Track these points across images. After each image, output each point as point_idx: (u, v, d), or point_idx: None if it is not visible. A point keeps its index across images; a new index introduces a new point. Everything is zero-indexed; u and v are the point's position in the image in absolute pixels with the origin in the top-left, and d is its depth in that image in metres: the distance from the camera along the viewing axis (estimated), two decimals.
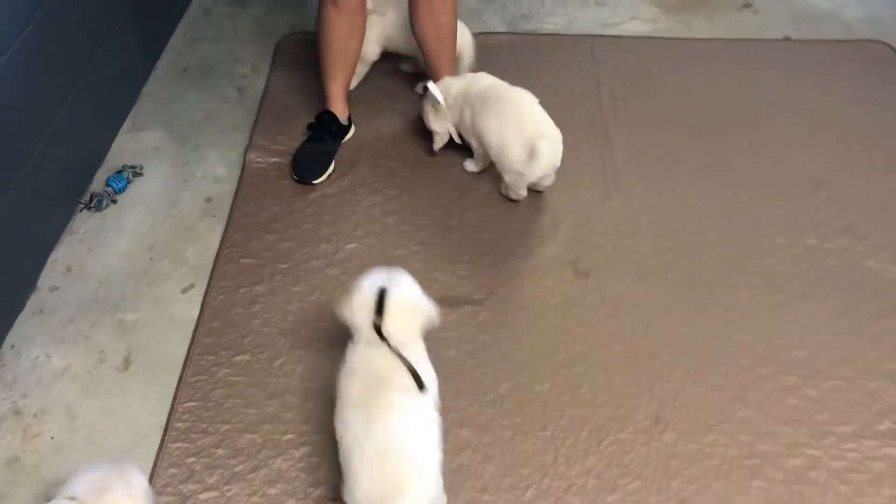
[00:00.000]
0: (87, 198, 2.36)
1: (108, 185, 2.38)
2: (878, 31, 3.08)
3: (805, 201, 2.39)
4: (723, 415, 1.89)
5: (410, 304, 1.73)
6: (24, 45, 2.05)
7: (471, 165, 2.47)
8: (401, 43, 2.62)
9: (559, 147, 2.25)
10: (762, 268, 2.21)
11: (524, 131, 2.23)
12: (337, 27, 2.31)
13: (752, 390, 1.93)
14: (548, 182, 2.35)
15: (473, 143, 2.39)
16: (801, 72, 2.89)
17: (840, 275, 2.19)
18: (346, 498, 1.55)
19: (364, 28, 2.39)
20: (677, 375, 1.96)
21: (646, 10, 3.18)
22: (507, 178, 2.31)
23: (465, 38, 2.64)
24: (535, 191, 2.38)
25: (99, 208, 2.35)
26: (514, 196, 2.36)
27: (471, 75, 2.44)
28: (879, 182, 2.45)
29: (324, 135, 2.48)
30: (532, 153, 2.19)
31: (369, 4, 2.42)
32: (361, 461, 1.53)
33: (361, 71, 2.65)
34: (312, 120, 2.53)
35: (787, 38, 3.06)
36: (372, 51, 2.62)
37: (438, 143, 2.45)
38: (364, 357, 1.66)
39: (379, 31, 2.59)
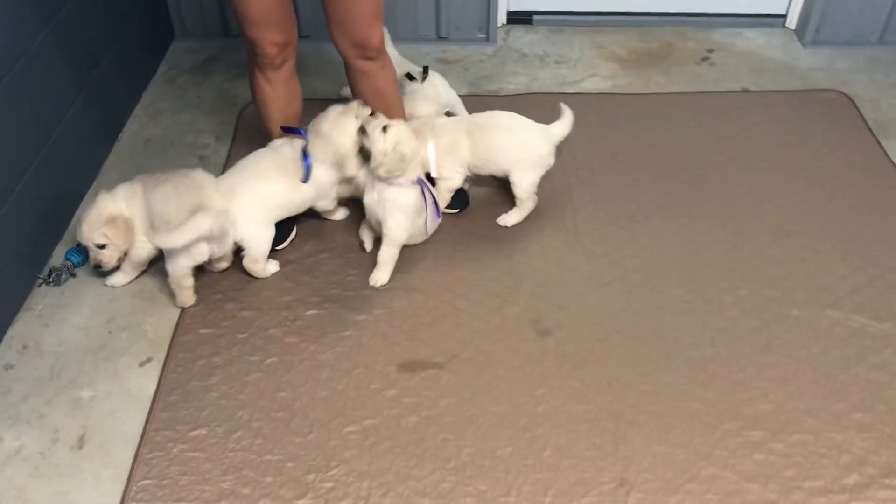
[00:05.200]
0: (45, 273, 2.34)
1: (67, 258, 2.36)
2: (832, 80, 3.14)
3: (767, 252, 2.40)
4: (689, 474, 1.85)
5: None
6: None
7: (511, 218, 2.50)
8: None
9: None
10: (725, 321, 2.20)
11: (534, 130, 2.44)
12: (273, 98, 2.32)
13: (718, 447, 1.91)
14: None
15: (479, 165, 2.45)
16: (760, 122, 2.93)
17: (803, 325, 2.19)
18: None
19: (300, 91, 2.39)
20: (641, 435, 1.93)
21: (605, 66, 3.23)
22: (530, 179, 2.43)
23: (453, 97, 2.73)
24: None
25: (58, 283, 2.32)
26: (532, 203, 2.47)
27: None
28: (839, 230, 2.47)
29: None
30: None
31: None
32: None
33: None
34: None
35: (745, 90, 3.11)
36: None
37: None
38: None
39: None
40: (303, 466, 1.87)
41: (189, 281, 2.21)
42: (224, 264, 2.32)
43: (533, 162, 2.44)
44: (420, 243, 2.42)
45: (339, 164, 2.28)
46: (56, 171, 2.45)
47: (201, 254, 2.17)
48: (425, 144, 2.40)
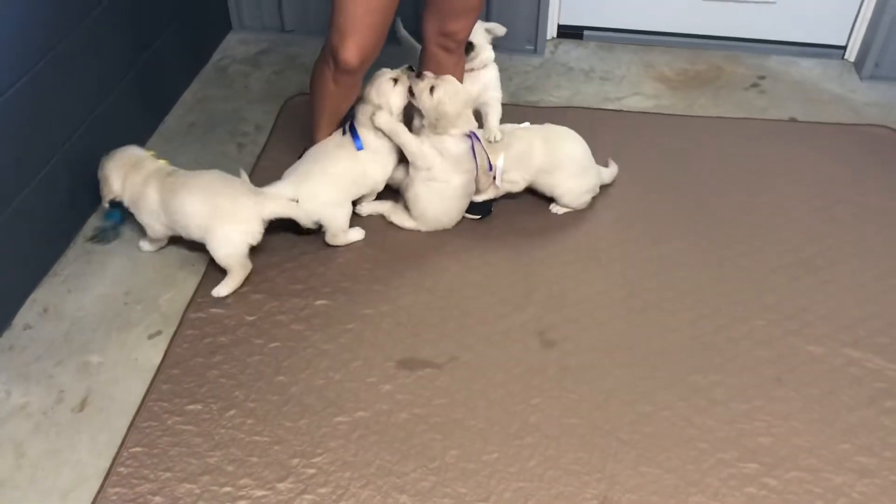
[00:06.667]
0: (94, 232, 2.46)
1: (107, 219, 2.45)
2: (889, 117, 3.04)
3: (790, 285, 2.33)
4: (675, 499, 1.80)
5: None
6: (25, 88, 2.16)
7: (560, 208, 2.56)
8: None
9: None
10: (736, 350, 2.14)
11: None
12: (334, 98, 2.37)
13: (709, 475, 1.85)
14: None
15: (547, 171, 2.49)
16: (803, 153, 2.85)
17: (818, 362, 2.11)
18: None
19: (357, 95, 2.43)
20: (632, 455, 1.89)
21: (650, 85, 3.19)
22: (580, 200, 2.54)
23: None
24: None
25: (106, 241, 2.43)
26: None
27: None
28: (870, 269, 2.38)
29: None
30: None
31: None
32: None
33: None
34: None
35: (792, 120, 3.03)
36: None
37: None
38: None
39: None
40: (289, 450, 1.89)
41: (249, 264, 2.30)
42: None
43: (582, 188, 2.52)
44: (438, 246, 2.44)
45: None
46: (97, 145, 2.53)
47: (256, 234, 2.25)
48: (498, 155, 2.45)
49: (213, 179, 2.28)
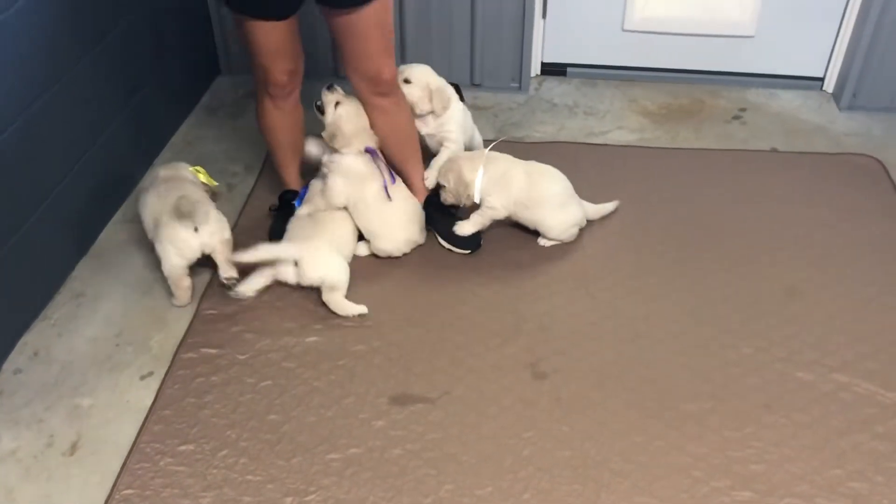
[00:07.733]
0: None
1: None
2: (867, 146, 3.09)
3: (777, 312, 2.35)
4: None
5: None
6: (18, 132, 2.19)
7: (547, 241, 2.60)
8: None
9: None
10: (726, 378, 2.15)
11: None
12: (283, 125, 2.48)
13: None
14: None
15: (526, 205, 2.52)
16: (785, 182, 2.89)
17: (807, 388, 2.12)
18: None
19: (303, 118, 2.52)
20: (625, 485, 1.89)
21: (633, 120, 3.25)
22: (565, 235, 2.57)
23: (477, 141, 2.88)
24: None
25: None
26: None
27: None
28: (854, 295, 2.40)
29: (289, 211, 2.56)
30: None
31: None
32: None
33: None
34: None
35: (774, 150, 3.08)
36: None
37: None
38: None
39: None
40: (282, 489, 1.89)
41: (187, 281, 2.35)
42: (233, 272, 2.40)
43: (566, 222, 2.55)
44: (428, 280, 2.46)
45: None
46: (88, 189, 2.56)
47: (192, 250, 2.31)
48: (476, 171, 2.48)
49: (171, 201, 2.31)
